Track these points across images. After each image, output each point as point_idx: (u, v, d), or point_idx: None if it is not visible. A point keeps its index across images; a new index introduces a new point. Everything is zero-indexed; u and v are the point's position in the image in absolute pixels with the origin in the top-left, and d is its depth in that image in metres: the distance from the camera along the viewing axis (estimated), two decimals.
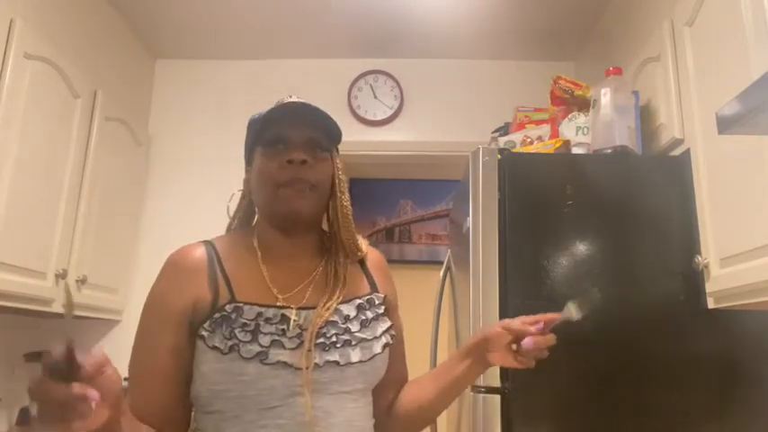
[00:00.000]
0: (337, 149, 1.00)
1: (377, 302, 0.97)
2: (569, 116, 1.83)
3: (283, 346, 0.84)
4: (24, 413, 2.15)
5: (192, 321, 0.86)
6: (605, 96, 1.67)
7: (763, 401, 1.41)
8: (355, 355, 0.88)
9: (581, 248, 1.52)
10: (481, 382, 1.43)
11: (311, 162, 0.92)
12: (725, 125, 1.02)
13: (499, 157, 1.60)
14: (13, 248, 1.77)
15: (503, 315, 1.48)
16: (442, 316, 2.00)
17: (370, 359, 0.90)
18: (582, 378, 1.45)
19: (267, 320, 0.85)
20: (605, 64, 1.84)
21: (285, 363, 0.83)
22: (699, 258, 1.41)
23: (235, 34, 2.74)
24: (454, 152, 2.69)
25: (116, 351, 2.79)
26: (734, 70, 1.28)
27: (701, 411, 1.41)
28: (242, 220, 1.03)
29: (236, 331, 0.83)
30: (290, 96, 0.98)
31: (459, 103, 2.81)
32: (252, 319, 0.85)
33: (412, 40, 2.75)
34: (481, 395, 1.42)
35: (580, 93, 1.90)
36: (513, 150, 1.79)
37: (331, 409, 0.85)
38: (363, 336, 0.91)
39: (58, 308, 2.03)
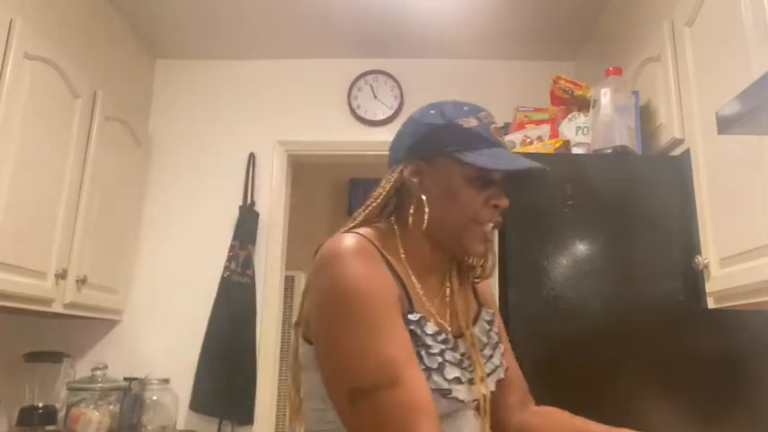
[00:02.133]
0: None
1: (493, 322, 0.99)
2: (569, 116, 1.83)
3: (460, 381, 0.83)
4: (24, 413, 2.15)
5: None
6: (605, 96, 1.67)
7: (763, 401, 1.41)
8: (493, 383, 0.91)
9: (581, 248, 1.52)
10: None
11: None
12: (725, 125, 1.02)
13: None
14: (13, 248, 1.77)
15: (503, 315, 1.48)
16: None
17: (498, 383, 0.93)
18: (582, 378, 1.45)
19: (444, 342, 0.84)
20: (605, 64, 1.84)
21: (461, 400, 0.83)
22: (699, 258, 1.41)
23: (235, 34, 2.73)
24: None
25: (116, 351, 2.80)
26: (734, 70, 1.28)
27: (701, 411, 1.41)
28: (384, 213, 0.94)
29: (423, 353, 0.80)
30: (493, 122, 0.93)
31: None
32: (432, 337, 0.82)
33: (412, 40, 2.75)
34: None
35: (580, 93, 1.90)
36: (513, 150, 1.79)
37: (465, 425, 0.88)
38: (498, 363, 0.94)
39: (58, 308, 2.03)
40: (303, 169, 3.08)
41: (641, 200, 1.55)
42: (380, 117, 2.83)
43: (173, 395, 2.42)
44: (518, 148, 1.85)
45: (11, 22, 1.75)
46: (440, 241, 0.90)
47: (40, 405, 2.18)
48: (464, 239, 0.89)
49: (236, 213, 2.67)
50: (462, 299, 0.95)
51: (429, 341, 0.81)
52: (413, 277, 0.89)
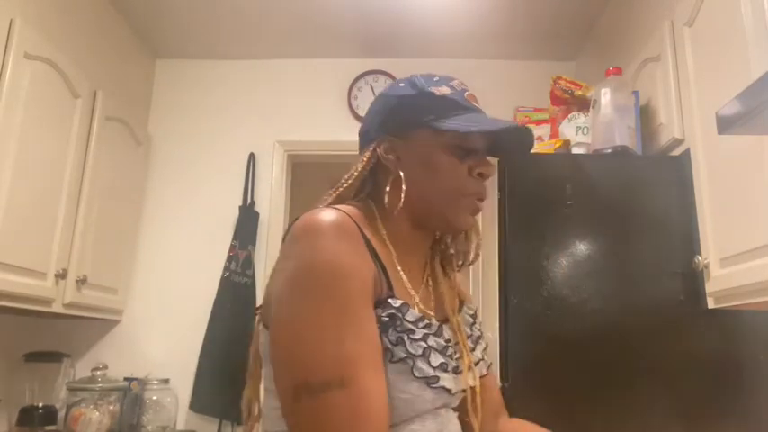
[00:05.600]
0: None
1: (476, 317, 0.92)
2: (569, 116, 1.83)
3: (446, 370, 0.75)
4: (24, 413, 2.15)
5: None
6: (605, 96, 1.67)
7: (762, 401, 1.41)
8: (476, 378, 0.83)
9: (581, 248, 1.52)
10: None
11: None
12: (725, 125, 1.02)
13: None
14: (13, 248, 1.77)
15: (503, 315, 1.48)
16: None
17: (480, 378, 0.84)
18: (582, 377, 1.45)
19: (426, 327, 0.75)
20: (605, 64, 1.84)
21: (447, 389, 0.74)
22: (699, 258, 1.41)
23: (235, 34, 2.73)
24: None
25: (116, 351, 2.79)
26: (734, 70, 1.28)
27: (700, 411, 1.41)
28: (359, 195, 0.86)
29: (405, 338, 0.71)
30: (467, 90, 0.87)
31: None
32: (413, 324, 0.73)
33: (412, 40, 2.75)
34: None
35: (580, 93, 1.90)
36: None
37: (449, 423, 0.80)
38: (480, 356, 0.87)
39: (58, 308, 2.03)
40: (303, 169, 3.08)
41: (641, 200, 1.55)
42: None
43: (173, 395, 2.42)
44: None
45: (11, 22, 1.75)
46: (424, 220, 0.83)
47: (40, 405, 2.19)
48: (450, 214, 0.82)
49: (236, 213, 2.67)
50: (447, 287, 0.88)
51: (411, 326, 0.72)
52: (396, 261, 0.80)
